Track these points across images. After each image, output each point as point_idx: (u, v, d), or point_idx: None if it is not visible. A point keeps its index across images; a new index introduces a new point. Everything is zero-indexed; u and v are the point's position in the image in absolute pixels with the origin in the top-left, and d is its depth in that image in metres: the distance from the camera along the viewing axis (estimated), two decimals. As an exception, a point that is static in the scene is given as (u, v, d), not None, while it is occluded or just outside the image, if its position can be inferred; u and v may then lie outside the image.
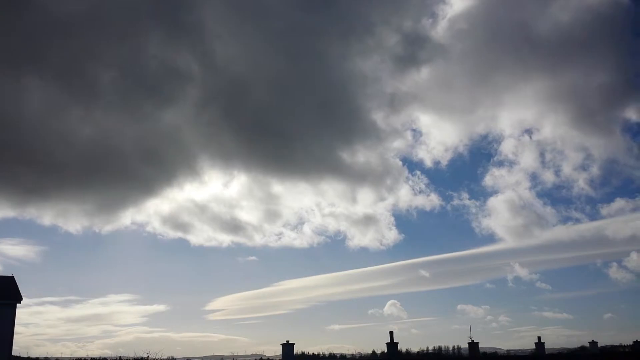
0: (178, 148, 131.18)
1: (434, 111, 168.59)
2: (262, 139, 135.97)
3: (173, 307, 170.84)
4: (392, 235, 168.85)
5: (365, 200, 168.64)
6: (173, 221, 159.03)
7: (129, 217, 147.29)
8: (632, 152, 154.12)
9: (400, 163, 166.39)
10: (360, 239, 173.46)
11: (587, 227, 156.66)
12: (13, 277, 38.47)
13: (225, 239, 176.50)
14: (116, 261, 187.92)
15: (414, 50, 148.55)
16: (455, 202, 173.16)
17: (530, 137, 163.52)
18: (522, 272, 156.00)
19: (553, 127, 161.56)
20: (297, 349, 42.13)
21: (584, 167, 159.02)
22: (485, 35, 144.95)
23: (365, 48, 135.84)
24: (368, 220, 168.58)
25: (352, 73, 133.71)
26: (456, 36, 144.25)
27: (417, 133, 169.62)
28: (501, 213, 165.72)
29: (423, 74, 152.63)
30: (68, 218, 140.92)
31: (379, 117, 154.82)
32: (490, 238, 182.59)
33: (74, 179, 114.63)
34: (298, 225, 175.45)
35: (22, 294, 36.14)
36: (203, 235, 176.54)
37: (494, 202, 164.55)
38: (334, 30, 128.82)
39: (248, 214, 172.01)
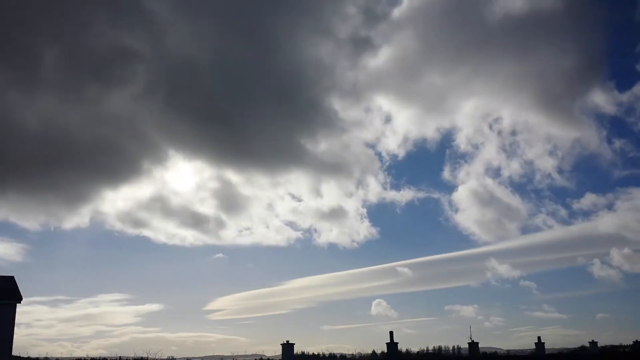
0: (127, 135, 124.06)
1: (396, 97, 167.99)
2: (218, 127, 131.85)
3: (166, 307, 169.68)
4: (367, 230, 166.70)
5: (333, 194, 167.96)
6: (133, 217, 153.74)
7: (86, 213, 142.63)
8: (602, 144, 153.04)
9: (367, 154, 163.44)
10: (332, 235, 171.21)
11: (566, 229, 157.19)
12: (13, 277, 38.52)
13: (187, 235, 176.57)
14: (96, 260, 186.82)
15: (372, 31, 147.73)
16: (424, 195, 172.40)
17: (491, 128, 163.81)
18: (507, 273, 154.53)
19: (519, 116, 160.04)
20: (297, 349, 42.09)
21: (554, 159, 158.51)
22: (445, 17, 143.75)
23: (320, 30, 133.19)
24: (338, 215, 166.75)
25: (309, 57, 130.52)
26: (415, 17, 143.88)
27: (380, 121, 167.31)
28: (471, 208, 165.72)
29: (381, 58, 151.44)
30: (24, 214, 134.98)
31: (339, 103, 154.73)
32: (468, 236, 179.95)
33: (22, 170, 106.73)
34: (267, 220, 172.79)
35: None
36: (165, 232, 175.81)
37: (462, 195, 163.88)
38: (288, 13, 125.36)
39: (210, 208, 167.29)
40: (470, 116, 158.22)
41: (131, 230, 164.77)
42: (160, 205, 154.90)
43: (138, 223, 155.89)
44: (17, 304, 35.67)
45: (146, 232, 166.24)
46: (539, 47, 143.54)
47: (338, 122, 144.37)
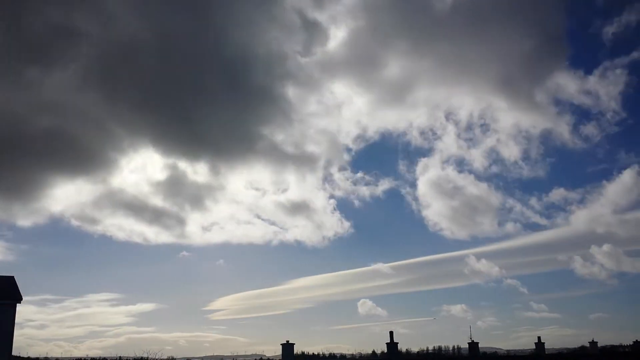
0: (72, 123, 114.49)
1: (354, 83, 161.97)
2: (171, 116, 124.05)
3: (158, 307, 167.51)
4: (338, 224, 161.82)
5: (298, 186, 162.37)
6: (89, 214, 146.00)
7: (41, 210, 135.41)
8: (569, 133, 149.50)
9: (328, 143, 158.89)
10: (304, 231, 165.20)
11: (541, 226, 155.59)
12: (13, 277, 38.53)
13: (147, 231, 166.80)
14: (71, 259, 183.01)
15: (322, 14, 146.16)
16: (389, 187, 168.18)
17: (447, 119, 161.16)
18: (491, 274, 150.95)
19: (481, 104, 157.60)
20: (297, 349, 42.07)
21: (520, 149, 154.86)
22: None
23: (271, 14, 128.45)
24: (305, 209, 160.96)
25: (259, 41, 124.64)
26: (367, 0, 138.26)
27: (338, 109, 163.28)
28: (437, 200, 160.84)
29: (334, 43, 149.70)
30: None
31: (295, 90, 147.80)
32: (439, 232, 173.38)
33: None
34: (233, 215, 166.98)
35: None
36: (124, 228, 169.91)
37: (428, 187, 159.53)
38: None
39: (168, 202, 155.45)
40: (429, 104, 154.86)
41: (90, 228, 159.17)
42: (116, 199, 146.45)
43: (95, 220, 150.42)
44: (17, 304, 35.72)
45: (107, 230, 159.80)
46: (497, 30, 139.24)
47: (294, 110, 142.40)
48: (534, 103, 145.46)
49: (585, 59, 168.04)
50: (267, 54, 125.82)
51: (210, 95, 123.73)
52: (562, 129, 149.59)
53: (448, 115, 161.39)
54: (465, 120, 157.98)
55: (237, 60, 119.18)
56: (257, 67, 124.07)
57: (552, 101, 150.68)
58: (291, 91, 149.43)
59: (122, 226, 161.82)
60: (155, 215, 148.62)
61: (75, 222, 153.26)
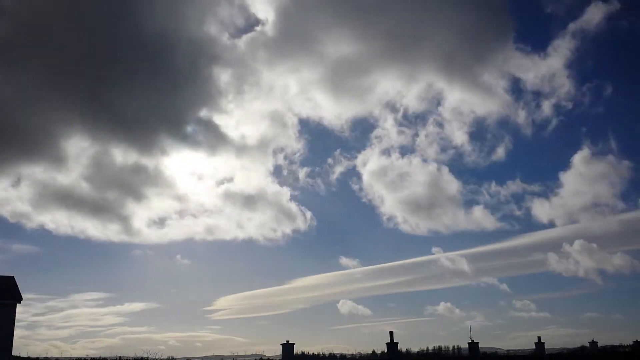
0: None
1: (290, 67, 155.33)
2: (99, 101, 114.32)
3: (148, 307, 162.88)
4: (302, 217, 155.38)
5: (246, 176, 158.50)
6: (23, 208, 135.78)
7: None
8: (522, 117, 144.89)
9: (270, 130, 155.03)
10: (264, 225, 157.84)
11: (519, 237, 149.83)
12: (13, 277, 38.63)
13: (88, 226, 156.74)
14: (36, 257, 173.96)
15: None
16: (337, 174, 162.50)
17: (393, 108, 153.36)
18: (469, 275, 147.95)
19: (424, 85, 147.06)
20: (297, 349, 42.10)
21: (472, 137, 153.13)
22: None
23: None
24: (259, 200, 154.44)
25: (188, 23, 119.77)
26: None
27: (280, 95, 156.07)
28: (388, 190, 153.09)
29: (264, 24, 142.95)
30: None
31: (230, 73, 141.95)
32: (398, 224, 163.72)
33: None
34: (183, 207, 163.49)
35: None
36: (61, 222, 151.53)
37: (370, 176, 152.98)
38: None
39: (110, 193, 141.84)
40: (370, 88, 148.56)
41: (29, 223, 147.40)
42: (50, 192, 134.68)
43: (29, 215, 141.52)
44: (17, 304, 35.82)
45: (47, 225, 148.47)
46: (439, 6, 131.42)
47: (230, 94, 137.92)
48: (479, 83, 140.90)
49: (531, 33, 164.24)
50: (197, 34, 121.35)
51: (141, 79, 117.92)
52: (512, 110, 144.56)
53: (390, 100, 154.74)
54: (407, 104, 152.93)
55: (164, 41, 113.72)
56: (185, 48, 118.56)
57: (500, 80, 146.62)
58: (225, 74, 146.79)
59: (61, 221, 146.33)
60: (95, 209, 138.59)
61: (12, 219, 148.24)
